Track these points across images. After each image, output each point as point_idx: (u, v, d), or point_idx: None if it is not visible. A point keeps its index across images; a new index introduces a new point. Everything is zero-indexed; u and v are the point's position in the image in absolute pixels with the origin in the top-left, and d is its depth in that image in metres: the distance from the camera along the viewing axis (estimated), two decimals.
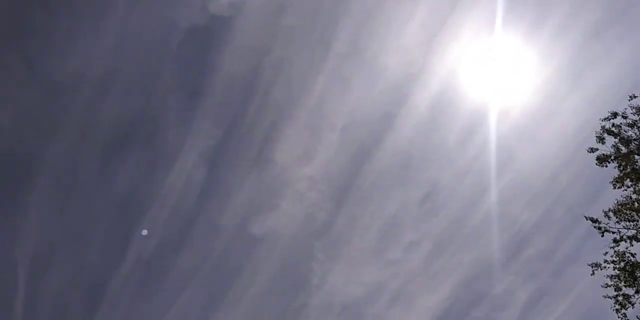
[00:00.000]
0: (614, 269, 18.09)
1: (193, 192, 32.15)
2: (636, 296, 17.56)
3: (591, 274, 18.40)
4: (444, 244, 31.23)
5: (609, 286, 18.04)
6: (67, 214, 30.82)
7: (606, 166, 18.96)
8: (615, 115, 19.07)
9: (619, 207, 18.29)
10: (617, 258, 18.11)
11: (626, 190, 18.54)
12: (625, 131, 18.83)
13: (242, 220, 33.12)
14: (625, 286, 17.80)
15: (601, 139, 19.12)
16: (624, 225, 18.19)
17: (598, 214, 18.54)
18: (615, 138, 18.93)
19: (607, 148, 19.05)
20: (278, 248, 33.59)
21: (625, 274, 17.82)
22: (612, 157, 18.82)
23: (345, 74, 29.32)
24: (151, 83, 30.29)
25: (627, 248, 18.07)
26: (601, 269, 18.23)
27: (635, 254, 17.98)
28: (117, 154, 31.50)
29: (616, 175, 18.72)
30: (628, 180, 18.33)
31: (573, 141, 29.68)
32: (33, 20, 26.89)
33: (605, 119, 19.17)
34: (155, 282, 32.62)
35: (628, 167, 18.32)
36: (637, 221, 18.00)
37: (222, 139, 32.01)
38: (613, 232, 18.24)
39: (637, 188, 18.19)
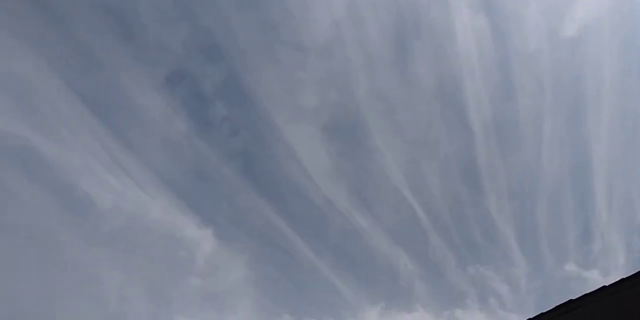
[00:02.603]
0: None
1: (488, 40, 31.18)
2: None
3: None
4: None
5: None
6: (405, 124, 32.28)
7: None
8: None
9: None
10: None
11: None
12: None
13: (550, 34, 30.53)
14: None
15: None
16: None
17: None
18: None
19: None
20: (605, 34, 29.46)
21: None
22: None
23: None
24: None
25: None
26: None
27: None
28: (406, 53, 31.97)
29: None
30: None
31: None
32: None
33: None
34: (512, 139, 32.52)
35: None
36: None
37: None
38: None
39: None
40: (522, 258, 31.64)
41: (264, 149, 29.80)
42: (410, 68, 31.37)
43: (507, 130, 32.67)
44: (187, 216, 25.22)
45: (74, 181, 21.70)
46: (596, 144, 30.94)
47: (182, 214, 25.05)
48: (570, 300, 7.49)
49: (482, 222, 32.67)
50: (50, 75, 20.74)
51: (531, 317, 7.99)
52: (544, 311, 7.78)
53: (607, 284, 7.63)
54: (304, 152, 29.95)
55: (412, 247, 32.42)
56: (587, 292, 7.64)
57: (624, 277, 7.23)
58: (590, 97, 30.08)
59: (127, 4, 24.40)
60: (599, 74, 29.18)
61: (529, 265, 31.62)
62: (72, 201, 21.54)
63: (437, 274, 31.91)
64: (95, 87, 24.04)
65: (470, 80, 31.55)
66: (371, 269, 31.09)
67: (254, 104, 28.72)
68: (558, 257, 31.10)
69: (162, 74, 27.71)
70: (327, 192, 30.44)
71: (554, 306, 7.60)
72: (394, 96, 31.77)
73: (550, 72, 30.62)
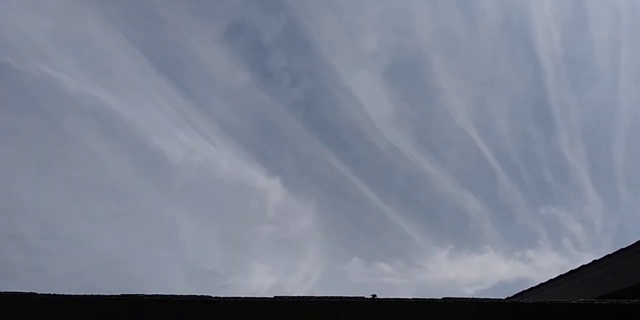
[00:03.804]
0: None
1: None
2: None
3: None
4: None
5: None
6: None
7: None
8: None
9: None
10: None
11: None
12: None
13: None
14: None
15: None
16: None
17: None
18: None
19: None
20: None
21: None
22: None
23: None
24: None
25: None
26: None
27: None
28: None
29: None
30: None
31: None
32: None
33: None
34: (586, 73, 30.82)
35: None
36: None
37: None
38: None
39: None
40: (597, 197, 30.67)
41: (326, 96, 29.74)
42: (475, 1, 29.90)
43: (580, 64, 30.91)
44: (255, 166, 26.07)
45: (147, 138, 22.86)
46: None
47: (249, 165, 25.93)
48: None
49: (554, 161, 31.61)
50: (115, 34, 21.50)
51: (610, 253, 7.87)
52: (624, 247, 7.64)
53: None
54: (365, 98, 29.63)
55: (480, 189, 32.01)
56: None
57: None
58: None
59: None
60: None
61: (605, 204, 30.66)
62: (146, 157, 22.81)
63: (507, 216, 31.59)
64: (158, 44, 24.60)
65: (539, 12, 29.78)
66: (439, 212, 31.14)
67: (313, 52, 28.53)
68: (636, 196, 29.95)
69: (222, 27, 27.86)
70: (391, 137, 30.24)
71: (634, 242, 7.43)
72: (458, 33, 30.51)
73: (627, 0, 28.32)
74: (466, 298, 3.50)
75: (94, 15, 21.28)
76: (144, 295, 3.42)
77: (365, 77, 29.85)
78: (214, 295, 3.43)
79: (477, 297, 3.52)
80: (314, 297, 3.46)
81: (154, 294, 3.42)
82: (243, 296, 3.42)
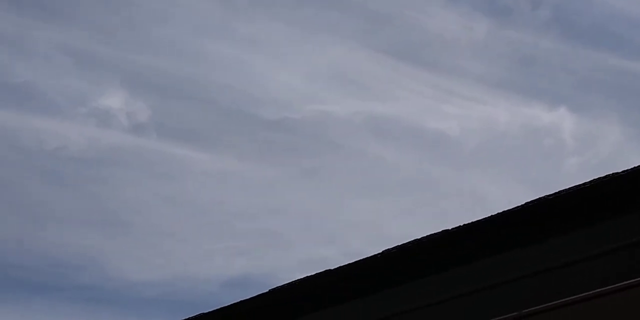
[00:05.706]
0: None
1: None
2: None
3: None
4: None
5: None
6: None
7: None
8: None
9: None
10: None
11: None
12: None
13: None
14: None
15: None
16: None
17: None
18: None
19: None
20: None
21: None
22: None
23: None
24: None
25: None
26: None
27: None
28: None
29: None
30: None
31: None
32: None
33: None
34: None
35: None
36: None
37: None
38: None
39: None
40: None
41: (575, 2, 26.84)
42: None
43: None
44: (533, 106, 25.03)
45: (420, 124, 24.20)
46: None
47: (527, 106, 25.17)
48: None
49: None
50: (352, 48, 23.24)
51: None
52: None
53: None
54: None
55: None
56: None
57: None
58: None
59: None
60: None
61: None
62: (427, 142, 24.00)
63: None
64: (391, 36, 25.67)
65: None
66: None
67: None
68: None
69: None
70: None
71: None
72: None
73: None
74: None
75: (327, 40, 23.68)
76: None
77: None
78: None
79: None
80: None
81: None
82: None
